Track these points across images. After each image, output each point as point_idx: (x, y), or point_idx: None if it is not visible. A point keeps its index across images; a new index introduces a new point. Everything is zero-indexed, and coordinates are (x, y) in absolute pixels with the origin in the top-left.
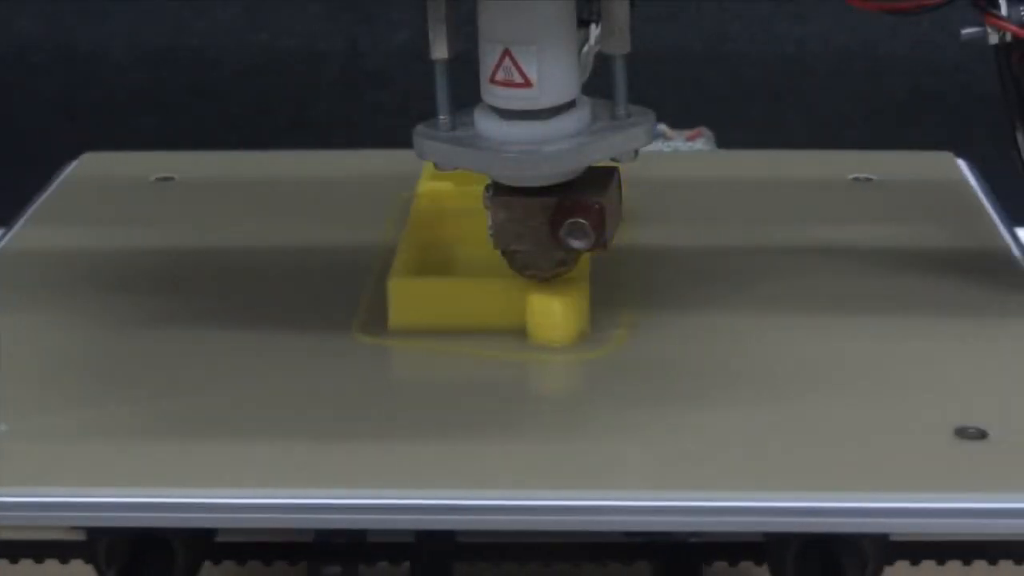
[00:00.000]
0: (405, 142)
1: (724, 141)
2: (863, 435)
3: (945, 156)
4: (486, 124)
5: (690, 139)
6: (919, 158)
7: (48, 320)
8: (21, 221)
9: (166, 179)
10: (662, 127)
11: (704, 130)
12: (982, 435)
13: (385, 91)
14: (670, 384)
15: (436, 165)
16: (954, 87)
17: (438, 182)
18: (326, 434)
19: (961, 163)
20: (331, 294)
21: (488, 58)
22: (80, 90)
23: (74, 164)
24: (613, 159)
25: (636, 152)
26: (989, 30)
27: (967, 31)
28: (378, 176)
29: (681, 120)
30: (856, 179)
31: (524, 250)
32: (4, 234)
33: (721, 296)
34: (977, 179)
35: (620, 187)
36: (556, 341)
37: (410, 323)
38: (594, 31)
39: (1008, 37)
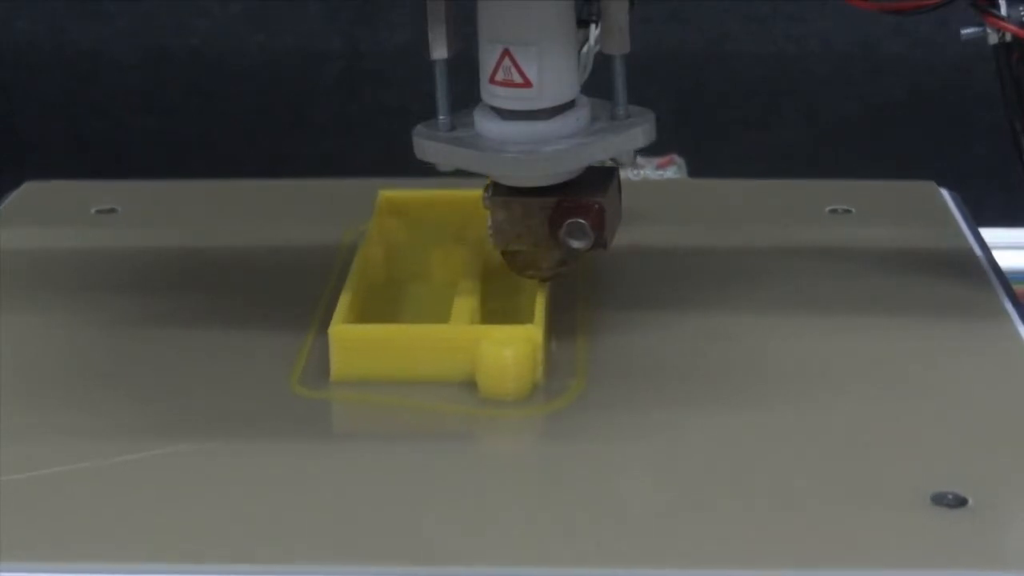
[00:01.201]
0: (396, 150)
1: (724, 141)
2: (833, 504)
3: (927, 186)
4: (486, 124)
5: (660, 167)
6: (900, 188)
7: None
8: None
9: (107, 211)
10: None
11: (675, 157)
12: (961, 502)
13: (385, 91)
14: (627, 445)
15: (436, 165)
16: (954, 87)
17: (390, 218)
18: (256, 501)
19: (944, 193)
20: (269, 343)
21: (488, 58)
22: (80, 90)
23: (14, 194)
24: (613, 159)
25: (636, 153)
26: (989, 30)
27: (967, 31)
28: (330, 210)
29: (682, 120)
30: (834, 211)
31: (524, 250)
32: None
33: (685, 342)
34: (961, 210)
35: (620, 187)
36: (507, 395)
37: (353, 373)
38: (594, 31)
39: (1008, 37)
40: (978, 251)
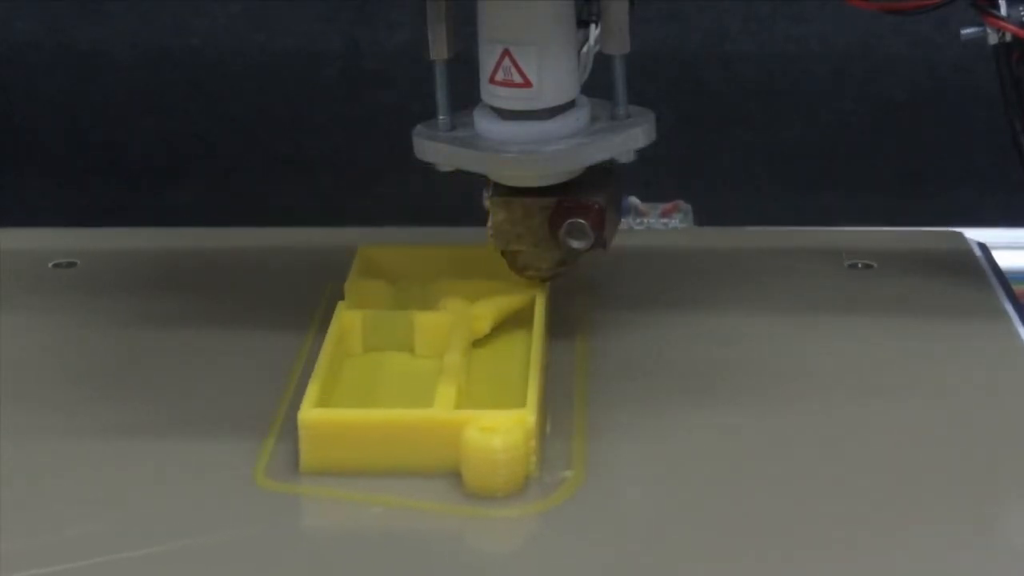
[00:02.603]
0: (396, 150)
1: (724, 141)
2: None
3: (955, 235)
4: (486, 124)
5: (665, 214)
6: (924, 237)
7: None
8: None
9: (67, 264)
10: (633, 201)
11: (681, 203)
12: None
13: (385, 91)
14: (633, 549)
15: (435, 165)
16: (954, 87)
17: (367, 280)
18: None
19: (972, 241)
20: (230, 429)
21: (488, 58)
22: (80, 90)
23: None
24: (613, 159)
25: (636, 153)
26: (989, 30)
27: (967, 31)
28: (305, 263)
29: (682, 120)
30: (853, 266)
31: (523, 250)
32: None
33: (699, 422)
34: (989, 261)
35: (619, 187)
36: (497, 490)
37: (325, 465)
38: (594, 31)
39: (1008, 37)
40: (1007, 306)
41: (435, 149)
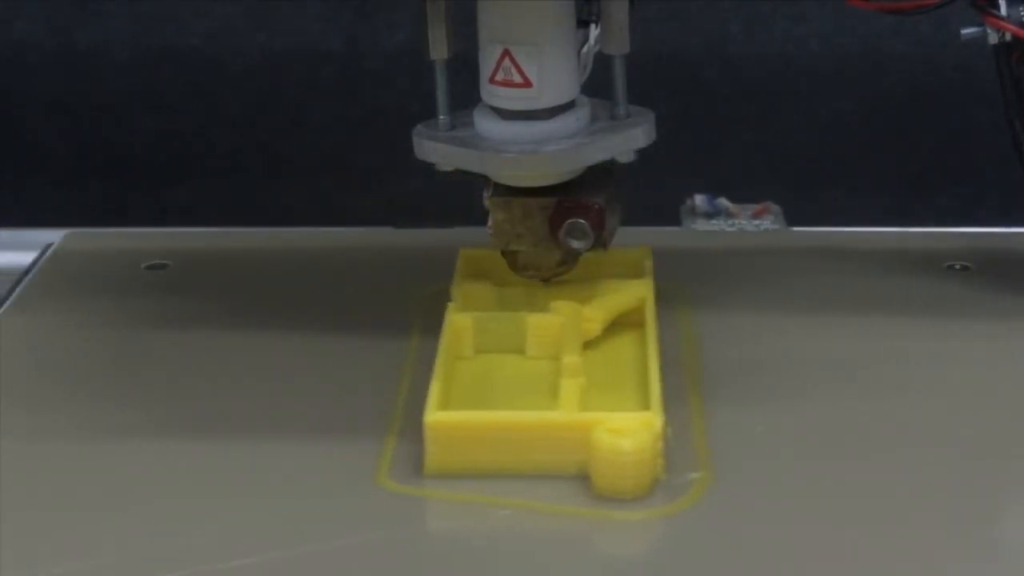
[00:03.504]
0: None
1: (724, 142)
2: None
3: None
4: (485, 124)
5: (756, 216)
6: (1018, 238)
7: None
8: None
9: (158, 266)
10: (724, 203)
11: (771, 205)
12: None
13: (385, 91)
14: (765, 550)
15: (436, 165)
16: (954, 87)
17: (473, 284)
18: None
19: None
20: (349, 430)
21: (488, 58)
22: (80, 90)
23: (55, 245)
24: (614, 159)
25: (636, 152)
26: (989, 30)
27: (967, 31)
28: (401, 263)
29: (682, 121)
30: (951, 267)
31: (523, 250)
32: None
33: (818, 420)
34: None
35: (619, 187)
36: (625, 492)
37: (449, 466)
38: (594, 31)
39: (1008, 37)
40: None
41: (435, 149)
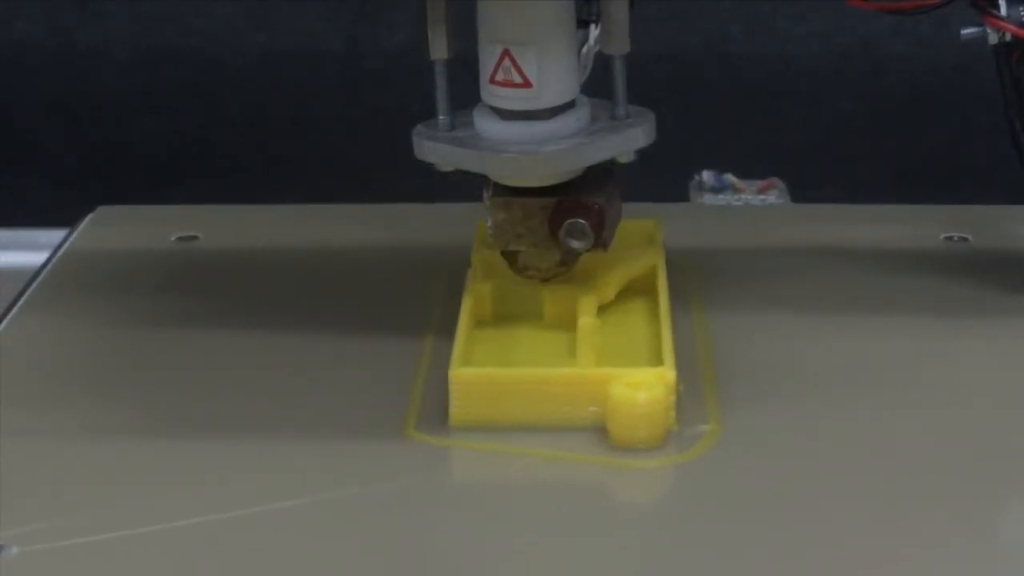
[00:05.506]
0: (396, 150)
1: (724, 142)
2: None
3: None
4: (485, 124)
5: (761, 191)
6: (1017, 214)
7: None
8: (23, 300)
9: (188, 238)
10: (730, 178)
11: (776, 181)
12: None
13: (385, 91)
14: (772, 498)
15: (435, 165)
16: (954, 87)
17: (492, 250)
18: (381, 553)
19: None
20: (376, 386)
21: (488, 58)
22: (80, 90)
23: (87, 220)
24: (613, 159)
25: (636, 152)
26: (989, 30)
27: (967, 31)
28: (422, 236)
29: (682, 121)
30: (949, 239)
31: (523, 250)
32: (8, 310)
33: (825, 384)
34: None
35: (619, 187)
36: (639, 443)
37: (473, 419)
38: (594, 31)
39: (1008, 37)
40: None
41: (435, 149)
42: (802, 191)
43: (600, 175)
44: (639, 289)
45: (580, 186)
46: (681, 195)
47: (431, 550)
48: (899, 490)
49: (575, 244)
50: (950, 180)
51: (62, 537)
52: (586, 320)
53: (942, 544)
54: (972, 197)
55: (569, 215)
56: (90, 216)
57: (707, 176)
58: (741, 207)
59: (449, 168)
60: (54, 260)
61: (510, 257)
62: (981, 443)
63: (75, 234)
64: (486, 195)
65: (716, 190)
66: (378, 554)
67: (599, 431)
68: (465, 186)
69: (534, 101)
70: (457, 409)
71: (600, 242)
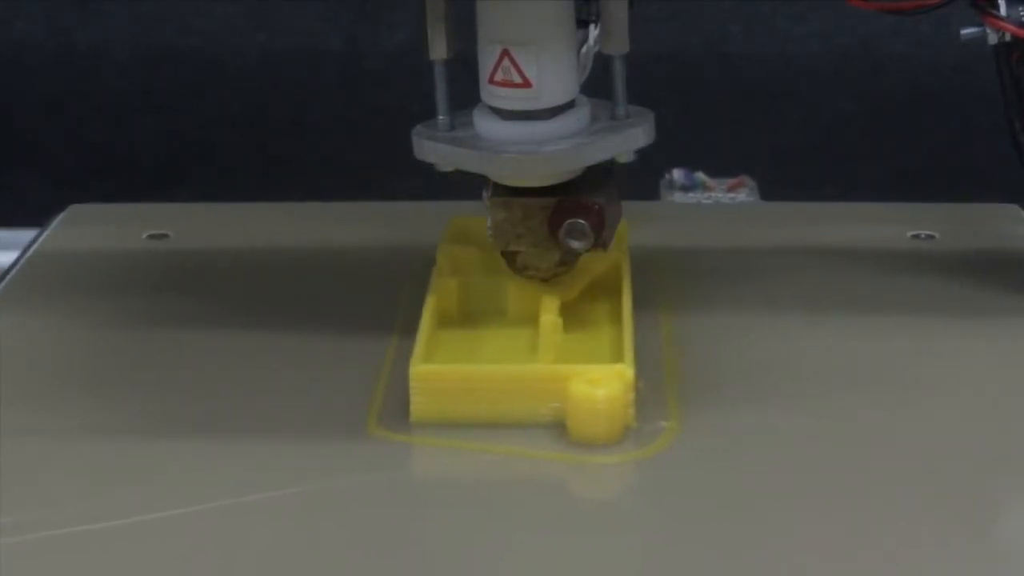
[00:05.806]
0: (396, 150)
1: (723, 141)
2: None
3: (1011, 209)
4: (485, 124)
5: (731, 189)
6: (982, 211)
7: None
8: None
9: (159, 236)
10: (701, 176)
11: (746, 179)
12: None
13: (385, 91)
14: (729, 493)
15: (435, 165)
16: (954, 87)
17: (459, 247)
18: (337, 548)
19: None
20: (340, 382)
21: (487, 58)
22: (80, 90)
23: (60, 218)
24: (613, 159)
25: (635, 152)
26: (989, 30)
27: (967, 31)
28: (391, 234)
29: (682, 121)
30: (916, 236)
31: (523, 251)
32: None
33: (788, 382)
34: None
35: (619, 187)
36: (598, 439)
37: (434, 415)
38: (593, 31)
39: (1007, 37)
40: None
41: (435, 149)
42: (802, 191)
43: (600, 175)
44: (605, 288)
45: (580, 186)
46: (651, 193)
47: (390, 544)
48: (860, 487)
49: (575, 244)
50: (950, 180)
51: (36, 531)
52: (548, 318)
53: (911, 544)
54: (972, 197)
55: (569, 215)
56: (61, 215)
57: (677, 174)
58: (711, 205)
59: (449, 168)
60: (24, 259)
61: (509, 257)
62: (948, 443)
63: (46, 233)
64: (486, 195)
65: (686, 188)
66: (338, 548)
67: (559, 427)
68: (464, 186)
69: (534, 101)
70: (417, 406)
71: (600, 242)
